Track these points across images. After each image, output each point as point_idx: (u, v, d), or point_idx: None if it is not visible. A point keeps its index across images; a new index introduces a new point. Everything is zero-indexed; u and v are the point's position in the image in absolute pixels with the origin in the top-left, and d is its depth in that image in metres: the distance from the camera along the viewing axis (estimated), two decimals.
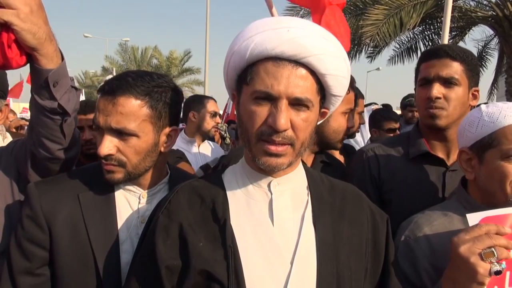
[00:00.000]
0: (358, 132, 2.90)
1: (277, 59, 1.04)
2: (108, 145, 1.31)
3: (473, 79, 1.72)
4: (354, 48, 12.07)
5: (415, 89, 1.83)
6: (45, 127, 1.37)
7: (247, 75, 1.08)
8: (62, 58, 1.31)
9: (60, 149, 1.43)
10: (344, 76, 1.13)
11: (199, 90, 30.68)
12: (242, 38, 1.09)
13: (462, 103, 1.70)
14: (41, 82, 1.28)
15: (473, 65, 1.72)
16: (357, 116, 2.73)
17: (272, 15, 2.53)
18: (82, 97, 7.82)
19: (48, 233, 1.32)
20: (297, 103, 1.05)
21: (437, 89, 1.69)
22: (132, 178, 1.39)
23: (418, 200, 1.67)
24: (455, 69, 1.69)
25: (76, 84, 1.46)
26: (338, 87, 1.13)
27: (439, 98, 1.69)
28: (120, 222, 1.38)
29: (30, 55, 1.24)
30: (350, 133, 2.77)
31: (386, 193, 1.76)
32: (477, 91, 1.75)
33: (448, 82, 1.69)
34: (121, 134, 1.31)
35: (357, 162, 1.90)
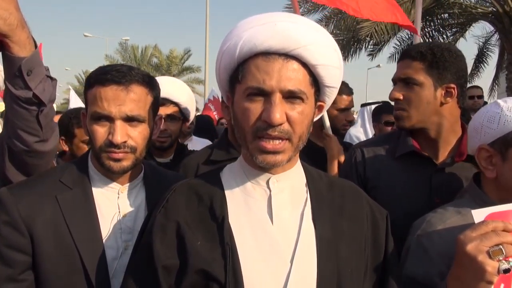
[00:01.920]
0: (346, 129, 2.79)
1: (267, 54, 1.04)
2: (123, 133, 1.32)
3: (442, 76, 1.65)
4: (354, 45, 12.04)
5: None
6: (20, 118, 1.33)
7: (238, 74, 1.07)
8: (36, 46, 1.28)
9: (38, 142, 1.39)
10: (336, 66, 1.11)
11: (199, 89, 30.69)
12: (230, 37, 1.09)
13: (427, 102, 1.66)
14: (14, 71, 1.25)
15: (439, 61, 1.65)
16: (340, 113, 2.65)
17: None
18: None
19: (29, 238, 1.29)
20: (291, 96, 1.04)
21: (396, 91, 1.70)
22: (135, 166, 1.40)
23: (402, 199, 1.65)
24: (414, 68, 1.67)
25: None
26: (331, 77, 1.11)
27: (399, 99, 1.69)
28: (102, 219, 1.37)
29: (2, 43, 1.21)
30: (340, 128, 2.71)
31: (370, 191, 1.72)
32: (453, 87, 1.66)
33: (407, 83, 1.68)
34: (132, 120, 1.34)
35: (346, 158, 1.92)
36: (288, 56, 1.04)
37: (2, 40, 1.20)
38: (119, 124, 1.32)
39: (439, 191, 1.65)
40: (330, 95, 1.18)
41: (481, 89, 5.74)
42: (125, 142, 1.33)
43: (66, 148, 2.71)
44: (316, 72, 1.08)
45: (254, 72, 1.04)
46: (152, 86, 1.41)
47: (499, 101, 1.36)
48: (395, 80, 1.74)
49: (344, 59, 12.26)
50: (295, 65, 1.04)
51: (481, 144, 1.36)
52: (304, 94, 1.05)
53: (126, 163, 1.35)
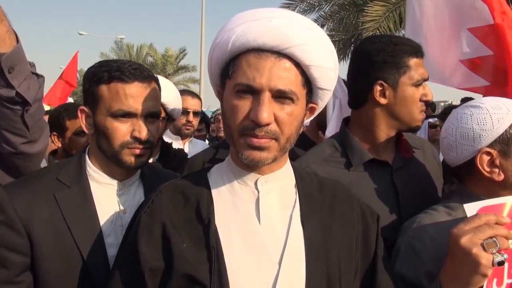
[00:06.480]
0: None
1: (259, 50, 1.01)
2: (146, 129, 1.33)
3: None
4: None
5: None
6: (4, 118, 1.28)
7: (229, 69, 1.05)
8: (18, 41, 1.22)
9: (25, 143, 1.34)
10: (331, 68, 1.08)
11: (194, 88, 30.59)
12: (224, 31, 1.07)
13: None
14: None
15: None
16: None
17: None
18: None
19: (26, 238, 1.24)
20: (280, 96, 1.01)
21: None
22: (147, 161, 1.41)
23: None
24: None
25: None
26: (325, 79, 1.08)
27: None
28: (102, 216, 1.34)
29: None
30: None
31: None
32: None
33: None
34: (151, 117, 1.35)
35: None
36: (280, 54, 1.01)
37: None
38: (140, 120, 1.33)
39: (403, 192, 1.55)
40: (323, 98, 1.14)
41: None
42: (147, 138, 1.34)
43: (58, 144, 2.63)
44: (309, 73, 1.05)
45: (245, 68, 1.01)
46: (158, 82, 1.43)
47: (477, 103, 1.34)
48: None
49: (343, 59, 12.22)
50: (287, 64, 1.01)
51: (480, 148, 1.31)
52: (295, 95, 1.02)
53: (145, 158, 1.37)
